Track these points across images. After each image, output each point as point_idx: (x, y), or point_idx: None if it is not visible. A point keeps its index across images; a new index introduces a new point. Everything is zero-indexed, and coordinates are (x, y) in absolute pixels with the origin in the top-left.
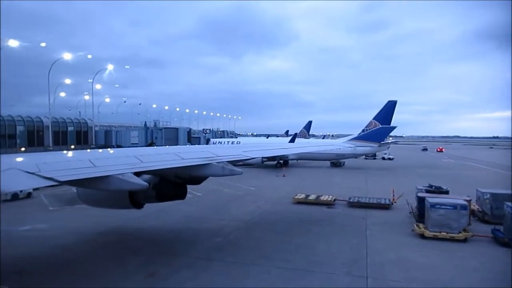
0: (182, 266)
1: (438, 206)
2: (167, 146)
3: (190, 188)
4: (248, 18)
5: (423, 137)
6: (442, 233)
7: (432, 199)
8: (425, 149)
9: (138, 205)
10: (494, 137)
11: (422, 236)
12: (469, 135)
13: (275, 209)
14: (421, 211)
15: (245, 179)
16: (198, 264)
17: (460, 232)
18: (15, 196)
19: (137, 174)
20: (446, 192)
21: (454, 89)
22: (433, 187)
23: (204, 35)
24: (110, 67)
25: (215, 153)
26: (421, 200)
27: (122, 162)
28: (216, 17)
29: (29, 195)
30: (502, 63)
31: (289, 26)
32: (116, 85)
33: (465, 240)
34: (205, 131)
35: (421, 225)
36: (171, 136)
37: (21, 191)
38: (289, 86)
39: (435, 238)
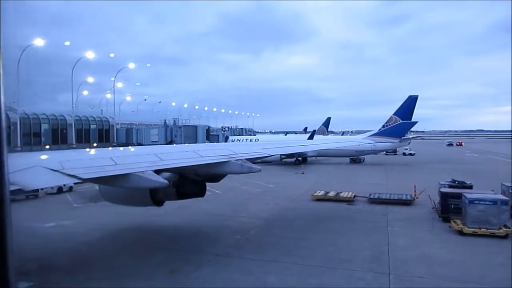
0: (203, 263)
1: (477, 202)
2: (186, 144)
3: (209, 185)
4: (267, 14)
5: (445, 131)
6: (482, 229)
7: (470, 194)
8: (450, 144)
9: (158, 202)
10: None
11: (461, 233)
12: (493, 129)
13: (294, 206)
14: (444, 207)
15: (264, 177)
16: (219, 261)
17: (500, 228)
18: (60, 190)
19: (157, 171)
20: (470, 187)
21: (477, 82)
22: (456, 182)
23: (223, 32)
24: (131, 65)
25: (233, 150)
26: (444, 196)
27: (143, 160)
28: (235, 14)
29: (70, 189)
30: None
31: (308, 21)
32: (137, 83)
33: (506, 236)
34: (224, 128)
35: (458, 221)
36: (190, 134)
37: (64, 184)
38: (308, 83)
39: (474, 235)
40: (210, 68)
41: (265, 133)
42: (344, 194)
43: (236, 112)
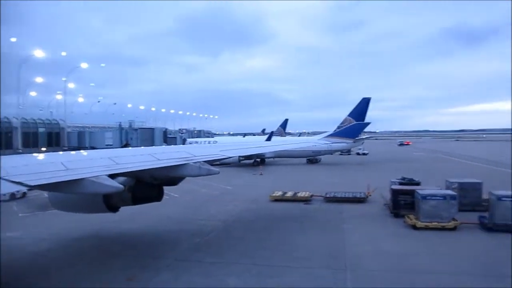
0: (161, 269)
1: (429, 198)
2: (143, 147)
3: (166, 189)
4: (224, 16)
5: (395, 132)
6: (434, 223)
7: (423, 191)
8: (401, 144)
9: (113, 208)
10: (460, 130)
11: (414, 227)
12: (437, 129)
13: (253, 208)
14: (394, 203)
15: (222, 178)
16: (178, 265)
17: (450, 221)
18: (12, 196)
19: (112, 176)
20: (418, 184)
21: (424, 86)
22: (406, 179)
23: (181, 33)
24: (84, 65)
25: (191, 153)
26: (394, 192)
27: (96, 164)
28: (193, 15)
29: (24, 194)
30: (467, 61)
31: (266, 25)
32: (91, 84)
33: (454, 228)
34: (182, 131)
35: (412, 216)
36: (147, 136)
37: (17, 190)
38: (267, 85)
39: (426, 228)
40: (168, 70)
41: (223, 135)
42: (301, 194)
43: (195, 114)
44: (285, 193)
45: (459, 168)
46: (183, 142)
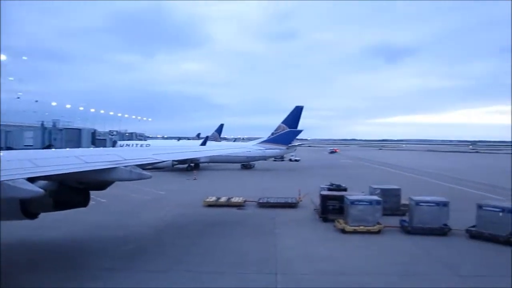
0: (85, 280)
1: (357, 203)
2: (68, 149)
3: (93, 194)
4: (160, 15)
5: (326, 140)
6: (361, 227)
7: (352, 196)
8: (332, 152)
9: (31, 215)
10: (383, 140)
11: (343, 231)
12: (364, 138)
13: (186, 213)
14: (323, 208)
15: (155, 183)
16: (104, 276)
17: (375, 225)
18: None
19: (31, 180)
20: (345, 190)
21: (353, 97)
22: (334, 185)
23: (115, 31)
24: (2, 57)
25: (122, 156)
26: (323, 198)
27: (13, 167)
28: (127, 12)
29: None
30: (389, 76)
31: (202, 28)
32: (10, 78)
33: (379, 232)
34: (112, 133)
35: (341, 221)
36: (73, 137)
37: None
38: (202, 88)
39: (354, 232)
40: (99, 68)
41: (157, 138)
42: (235, 199)
43: (127, 116)
44: (219, 198)
45: (381, 174)
46: (114, 144)
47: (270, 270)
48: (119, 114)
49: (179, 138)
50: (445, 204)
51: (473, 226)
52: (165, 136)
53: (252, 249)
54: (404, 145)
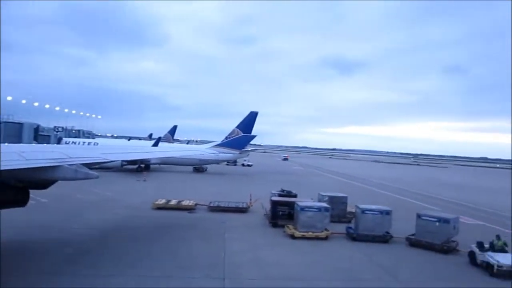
0: (22, 286)
1: (307, 209)
2: (7, 144)
3: (33, 193)
4: (118, 11)
5: (278, 146)
6: (309, 233)
7: (302, 203)
8: (285, 159)
9: None
10: (333, 149)
11: (293, 237)
12: (315, 146)
13: (134, 215)
14: (274, 213)
15: (102, 184)
16: (46, 280)
17: (322, 231)
18: None
19: None
20: (295, 196)
21: (306, 105)
22: (285, 191)
23: (66, 23)
24: None
25: (67, 154)
26: (274, 203)
27: None
28: (81, 5)
29: None
30: (341, 88)
31: (161, 27)
32: None
33: (326, 238)
34: (57, 129)
35: (291, 226)
36: (13, 132)
37: None
38: (158, 89)
39: (303, 238)
40: (48, 60)
41: (106, 137)
42: (185, 203)
43: (74, 112)
44: (169, 201)
45: (330, 182)
46: (58, 141)
47: (218, 274)
48: (66, 110)
49: (129, 138)
50: (388, 213)
51: (413, 235)
52: (115, 135)
53: (201, 253)
54: (352, 155)
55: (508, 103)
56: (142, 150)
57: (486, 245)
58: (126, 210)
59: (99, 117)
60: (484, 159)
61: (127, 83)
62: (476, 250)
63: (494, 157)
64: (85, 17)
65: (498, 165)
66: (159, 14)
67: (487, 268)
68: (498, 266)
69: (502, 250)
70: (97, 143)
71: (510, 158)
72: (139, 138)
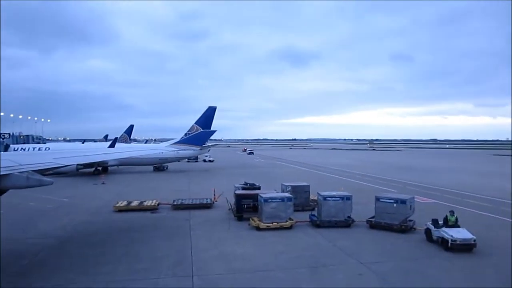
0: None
1: (270, 200)
2: None
3: None
4: (60, 8)
5: (240, 140)
6: (274, 224)
7: (265, 194)
8: (251, 153)
9: None
10: (293, 139)
11: (258, 228)
12: (275, 138)
13: (93, 220)
14: (238, 207)
15: (58, 190)
16: None
17: (287, 221)
18: None
19: None
20: (258, 188)
21: (263, 98)
22: (248, 184)
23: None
24: None
25: (16, 161)
26: (238, 197)
27: None
28: (18, 3)
29: None
30: (295, 79)
31: (108, 24)
32: None
33: (291, 227)
34: (3, 136)
35: (256, 218)
36: None
37: None
38: (109, 88)
39: (268, 229)
40: None
41: (58, 141)
42: (148, 203)
43: (21, 117)
44: (130, 202)
45: (291, 172)
46: (6, 148)
47: (186, 272)
48: (12, 115)
49: (84, 141)
50: (348, 198)
51: (373, 217)
52: (68, 139)
53: (166, 253)
54: (312, 144)
55: (451, 88)
56: (98, 152)
57: (441, 222)
58: (85, 215)
59: (49, 120)
60: (434, 141)
61: (76, 83)
62: (432, 227)
63: (443, 138)
64: (21, 14)
65: (447, 146)
66: (105, 10)
67: (442, 243)
68: (452, 240)
69: (455, 225)
70: (49, 148)
71: (458, 138)
72: (94, 140)
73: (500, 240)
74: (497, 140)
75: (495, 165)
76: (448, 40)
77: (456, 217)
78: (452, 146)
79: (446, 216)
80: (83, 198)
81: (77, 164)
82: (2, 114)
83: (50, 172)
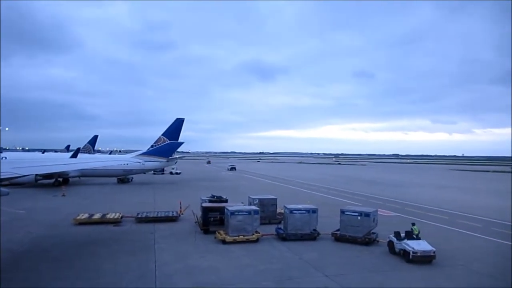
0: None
1: (237, 213)
2: None
3: None
4: (18, 13)
5: (206, 152)
6: (240, 237)
7: (232, 207)
8: (233, 168)
9: None
10: (260, 153)
11: (224, 242)
12: (243, 151)
13: (51, 234)
14: (204, 220)
15: (14, 201)
16: None
17: (253, 234)
18: None
19: None
20: (226, 201)
21: (231, 111)
22: (215, 197)
23: None
24: None
25: None
26: (204, 210)
27: None
28: None
29: None
30: (262, 93)
31: (69, 31)
32: None
33: (257, 240)
34: None
35: (222, 232)
36: None
37: None
38: (71, 96)
39: (234, 242)
40: None
41: (16, 150)
42: (110, 216)
43: None
44: (92, 215)
45: (259, 185)
46: None
47: (148, 287)
48: None
49: (44, 150)
50: (314, 211)
51: (338, 230)
52: (27, 148)
53: (129, 267)
54: (279, 158)
55: (411, 105)
56: (59, 162)
57: (403, 234)
58: (42, 228)
59: (7, 129)
60: (396, 156)
61: (36, 91)
62: (394, 240)
63: (404, 153)
64: None
65: (408, 161)
66: (67, 17)
67: (404, 255)
68: (413, 252)
69: (416, 237)
70: (5, 157)
71: (418, 153)
72: (55, 150)
73: (455, 251)
74: (454, 156)
75: (453, 179)
76: (405, 59)
77: (418, 229)
78: (412, 161)
79: (411, 228)
80: (41, 210)
81: (36, 175)
82: None
83: (7, 182)
